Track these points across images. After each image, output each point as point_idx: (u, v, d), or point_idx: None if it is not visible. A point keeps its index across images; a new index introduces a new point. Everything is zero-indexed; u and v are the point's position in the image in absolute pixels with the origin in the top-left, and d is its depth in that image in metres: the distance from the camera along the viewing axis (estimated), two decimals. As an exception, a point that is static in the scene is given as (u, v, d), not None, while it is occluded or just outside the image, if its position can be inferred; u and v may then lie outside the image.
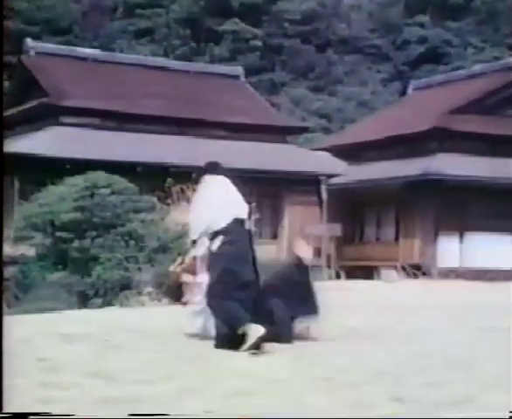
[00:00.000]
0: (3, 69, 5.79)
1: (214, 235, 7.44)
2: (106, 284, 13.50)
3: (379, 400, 4.89)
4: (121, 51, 39.12)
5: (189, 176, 17.35)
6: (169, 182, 16.80)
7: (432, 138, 26.25)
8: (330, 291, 16.16)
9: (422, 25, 48.14)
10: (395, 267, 24.47)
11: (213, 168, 7.88)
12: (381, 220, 27.28)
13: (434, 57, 45.89)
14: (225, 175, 7.79)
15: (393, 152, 27.05)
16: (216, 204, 7.55)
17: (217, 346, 7.06)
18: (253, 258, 7.53)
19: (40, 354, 6.40)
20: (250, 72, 37.20)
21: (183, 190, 16.42)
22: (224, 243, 7.41)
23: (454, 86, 29.15)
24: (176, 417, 4.57)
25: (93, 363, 6.09)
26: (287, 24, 47.47)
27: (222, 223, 7.43)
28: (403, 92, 37.07)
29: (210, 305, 7.33)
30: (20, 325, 9.02)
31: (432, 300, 14.21)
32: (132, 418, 4.41)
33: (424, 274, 24.15)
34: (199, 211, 7.67)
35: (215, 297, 7.27)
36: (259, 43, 46.62)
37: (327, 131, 40.99)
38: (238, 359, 6.46)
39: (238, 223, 7.46)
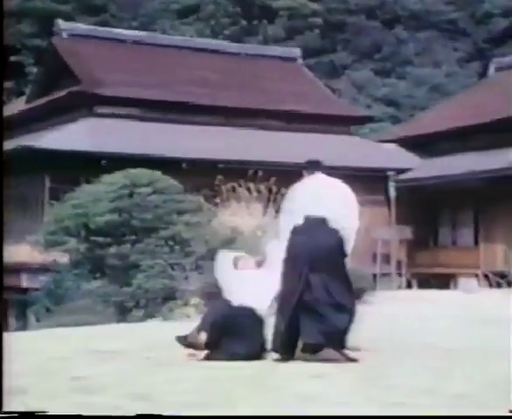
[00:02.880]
0: (3, 67, 5.96)
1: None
2: (147, 294, 13.62)
3: None
4: (164, 32, 39.45)
5: (241, 172, 17.46)
6: (218, 179, 16.87)
7: (517, 126, 25.83)
8: (400, 302, 16.08)
9: (507, -5, 47.48)
10: (475, 275, 24.16)
11: (310, 166, 8.14)
12: (458, 221, 26.97)
13: (521, 32, 45.16)
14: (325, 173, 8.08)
15: (472, 143, 26.71)
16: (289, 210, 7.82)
17: None
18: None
19: (75, 373, 6.49)
20: (308, 53, 37.18)
21: (234, 189, 16.47)
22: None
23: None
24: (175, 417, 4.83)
25: (133, 383, 6.16)
26: (349, -2, 47.38)
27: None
28: (483, 74, 36.58)
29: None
30: (52, 340, 9.19)
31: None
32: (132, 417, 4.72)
33: (509, 284, 23.79)
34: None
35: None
36: (318, 20, 46.53)
37: (395, 120, 40.70)
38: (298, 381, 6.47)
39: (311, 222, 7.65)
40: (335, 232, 7.69)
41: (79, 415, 4.79)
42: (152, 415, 4.91)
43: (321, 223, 7.69)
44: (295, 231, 7.69)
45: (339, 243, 7.69)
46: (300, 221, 7.69)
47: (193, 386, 6.15)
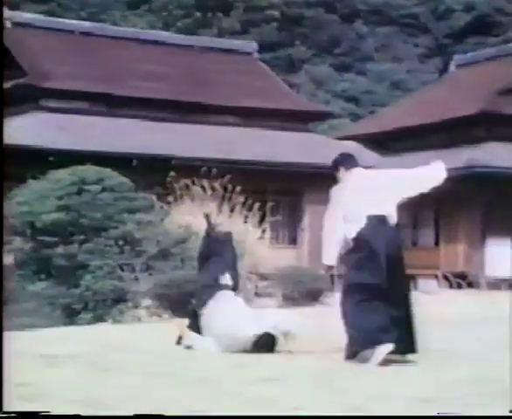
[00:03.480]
0: (3, 64, 6.17)
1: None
2: (96, 296, 13.52)
3: None
4: (114, 24, 39.20)
5: (194, 170, 17.42)
6: (170, 176, 16.81)
7: (478, 124, 26.14)
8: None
9: (468, -10, 48.03)
10: (435, 276, 24.36)
11: (345, 161, 8.22)
12: (418, 221, 27.18)
13: (483, 27, 45.70)
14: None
15: (433, 141, 26.94)
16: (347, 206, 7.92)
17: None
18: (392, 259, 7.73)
19: (19, 379, 6.40)
20: (265, 47, 37.18)
21: (187, 186, 16.43)
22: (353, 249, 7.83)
23: (506, 62, 28.97)
24: (175, 417, 4.97)
25: (81, 389, 6.10)
26: (308, -9, 47.52)
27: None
28: (444, 70, 36.95)
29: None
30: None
31: (483, 314, 14.18)
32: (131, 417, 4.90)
33: (469, 285, 24.04)
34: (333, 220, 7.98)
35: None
36: (275, 13, 46.60)
37: (354, 116, 40.96)
38: (251, 384, 6.45)
39: (375, 221, 7.81)
40: (396, 229, 7.94)
41: (79, 416, 4.94)
42: (151, 415, 5.00)
43: (383, 221, 7.85)
44: (364, 233, 7.76)
45: (401, 241, 8.11)
46: (362, 222, 7.77)
47: (143, 391, 6.10)
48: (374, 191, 7.90)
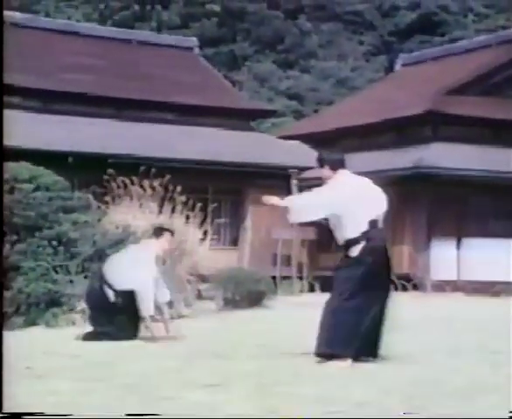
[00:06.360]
0: (3, 64, 6.32)
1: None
2: (29, 299, 13.33)
3: None
4: (47, 15, 38.83)
5: (132, 168, 17.30)
6: (108, 174, 16.68)
7: (424, 124, 26.41)
8: (302, 306, 16.20)
9: (413, -13, 48.58)
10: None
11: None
12: (364, 222, 27.33)
13: (428, 25, 46.27)
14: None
15: (378, 141, 27.17)
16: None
17: None
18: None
19: None
20: (205, 42, 37.18)
21: (125, 185, 16.32)
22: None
23: (452, 61, 29.37)
24: (171, 417, 5.22)
25: (12, 397, 6.01)
26: (250, -15, 47.58)
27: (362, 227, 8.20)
28: (390, 69, 37.30)
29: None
30: None
31: (429, 318, 14.34)
32: (129, 418, 5.16)
33: (415, 287, 24.29)
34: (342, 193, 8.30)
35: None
36: (216, 7, 46.57)
37: (298, 115, 41.11)
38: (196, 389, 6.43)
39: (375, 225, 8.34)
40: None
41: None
42: (146, 415, 5.17)
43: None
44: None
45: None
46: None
47: (73, 397, 6.04)
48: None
